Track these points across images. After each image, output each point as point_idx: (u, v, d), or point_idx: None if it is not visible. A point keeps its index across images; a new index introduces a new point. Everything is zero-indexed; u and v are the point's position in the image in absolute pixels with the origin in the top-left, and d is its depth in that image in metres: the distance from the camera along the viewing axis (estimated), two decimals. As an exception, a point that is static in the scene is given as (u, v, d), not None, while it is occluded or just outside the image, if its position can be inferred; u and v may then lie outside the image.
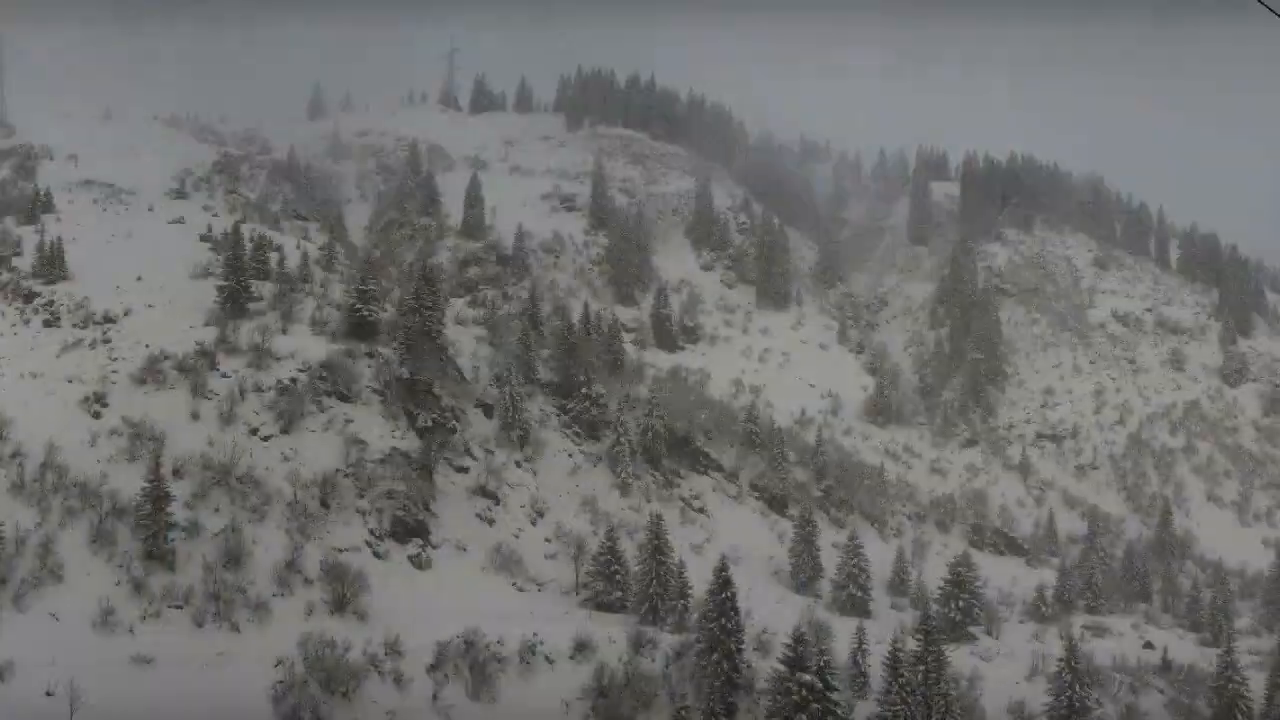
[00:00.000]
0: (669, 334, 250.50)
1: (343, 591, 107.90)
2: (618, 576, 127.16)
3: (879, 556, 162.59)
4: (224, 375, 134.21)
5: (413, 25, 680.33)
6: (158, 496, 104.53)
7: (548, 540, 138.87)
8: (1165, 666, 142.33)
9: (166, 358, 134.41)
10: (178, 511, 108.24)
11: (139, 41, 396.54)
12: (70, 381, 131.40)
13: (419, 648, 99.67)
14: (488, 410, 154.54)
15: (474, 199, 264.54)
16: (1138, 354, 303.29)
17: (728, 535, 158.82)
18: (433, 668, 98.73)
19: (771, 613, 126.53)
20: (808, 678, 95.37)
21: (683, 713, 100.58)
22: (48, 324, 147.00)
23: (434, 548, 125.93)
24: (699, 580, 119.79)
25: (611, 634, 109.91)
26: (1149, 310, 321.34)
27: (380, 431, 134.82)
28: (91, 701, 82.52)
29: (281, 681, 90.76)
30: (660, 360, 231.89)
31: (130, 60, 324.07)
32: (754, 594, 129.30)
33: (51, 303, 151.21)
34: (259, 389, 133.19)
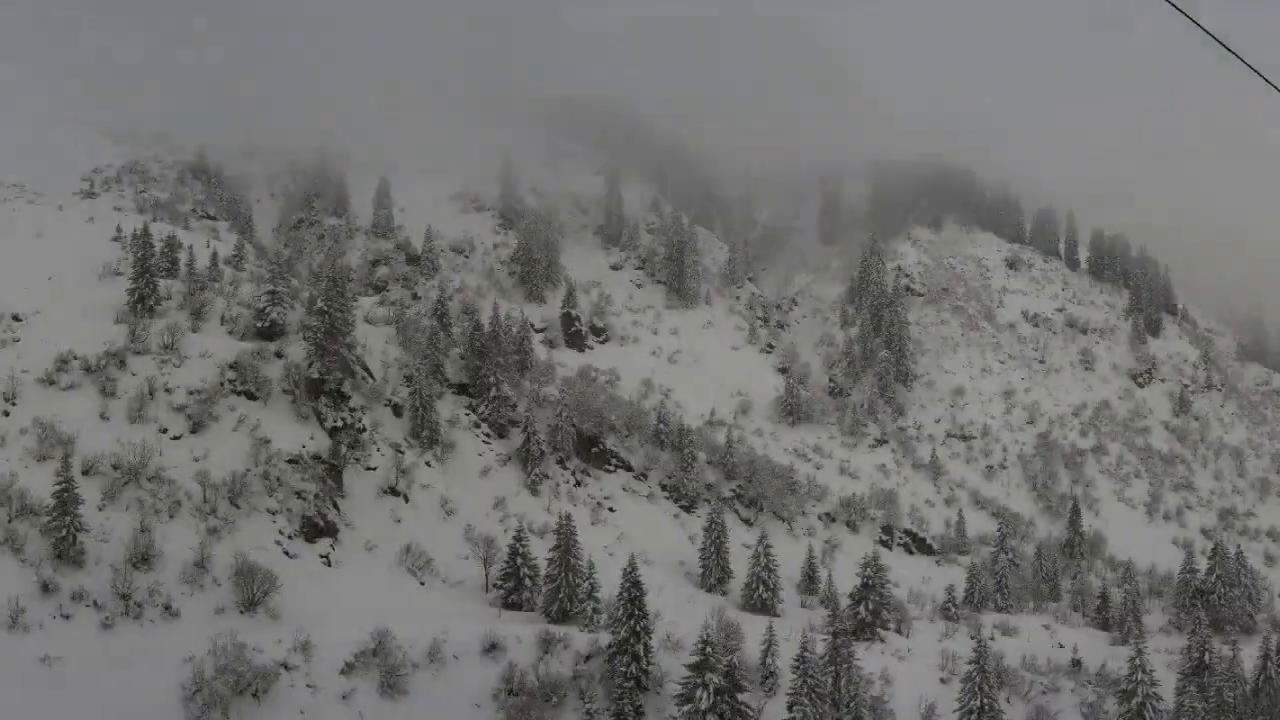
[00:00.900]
0: (578, 334, 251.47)
1: (253, 591, 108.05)
2: (527, 577, 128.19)
3: (789, 556, 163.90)
4: (133, 375, 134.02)
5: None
6: (67, 497, 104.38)
7: (457, 540, 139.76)
8: (1076, 666, 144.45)
9: (76, 358, 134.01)
10: (88, 512, 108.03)
11: (48, 39, 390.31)
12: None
13: (329, 647, 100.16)
14: (397, 410, 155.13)
15: (383, 199, 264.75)
16: (1048, 354, 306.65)
17: (637, 535, 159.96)
18: (344, 668, 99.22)
19: (681, 612, 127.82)
20: (716, 678, 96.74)
21: (592, 713, 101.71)
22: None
23: (344, 547, 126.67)
24: (609, 580, 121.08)
25: (521, 634, 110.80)
26: (1059, 311, 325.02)
27: (289, 431, 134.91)
28: (1, 701, 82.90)
29: (192, 681, 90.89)
30: (570, 360, 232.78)
31: (40, 58, 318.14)
32: (664, 594, 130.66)
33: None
34: (168, 389, 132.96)
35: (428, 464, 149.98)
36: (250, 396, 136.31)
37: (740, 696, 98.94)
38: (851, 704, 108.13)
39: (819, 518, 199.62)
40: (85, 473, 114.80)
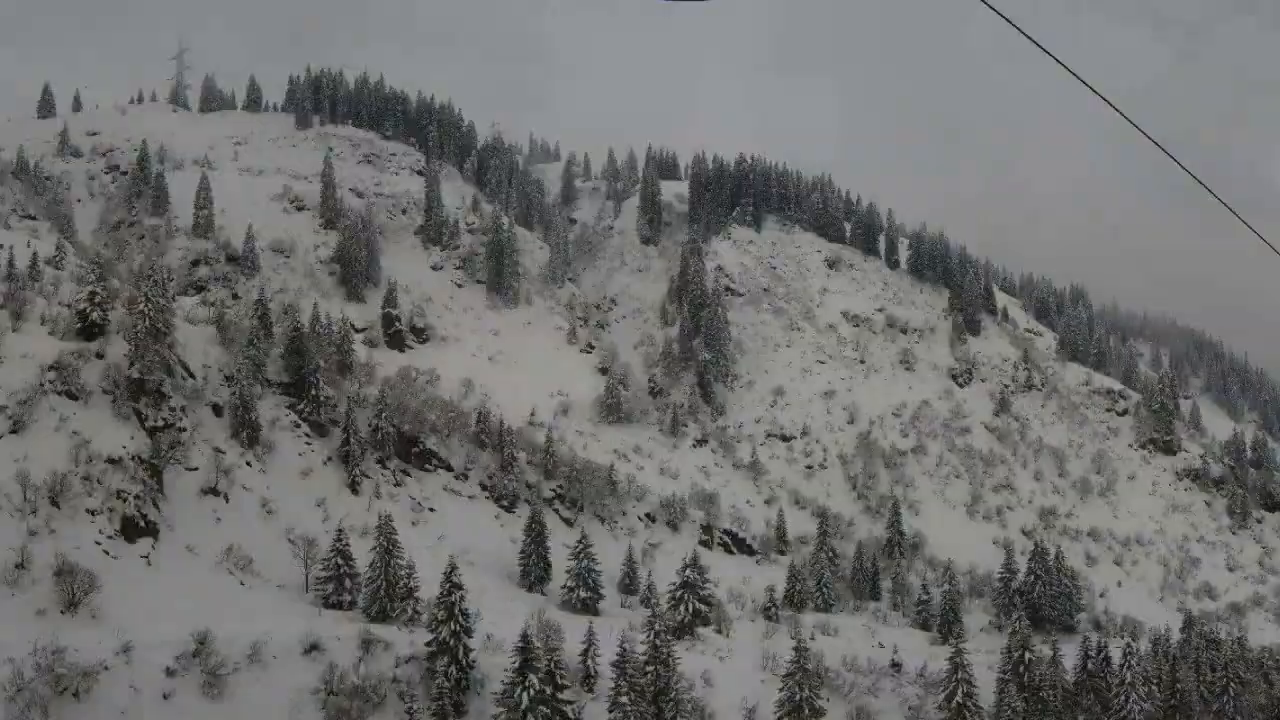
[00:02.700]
0: (399, 334, 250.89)
1: (74, 592, 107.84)
2: (348, 577, 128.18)
3: (610, 556, 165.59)
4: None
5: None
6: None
7: (278, 540, 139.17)
8: (896, 666, 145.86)
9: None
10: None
11: None
12: None
13: (151, 647, 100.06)
14: (218, 410, 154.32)
15: (204, 199, 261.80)
16: (868, 354, 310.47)
17: (458, 535, 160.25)
18: (165, 668, 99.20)
19: (502, 613, 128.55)
20: (537, 678, 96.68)
21: (412, 713, 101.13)
22: None
23: (165, 548, 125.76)
24: (429, 580, 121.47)
25: (342, 634, 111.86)
26: (879, 310, 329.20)
27: (110, 432, 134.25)
28: None
29: (11, 682, 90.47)
30: (390, 360, 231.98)
31: None
32: (484, 594, 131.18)
33: None
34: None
35: (248, 464, 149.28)
36: (71, 397, 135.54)
37: (561, 696, 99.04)
38: (672, 704, 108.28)
39: (640, 518, 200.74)
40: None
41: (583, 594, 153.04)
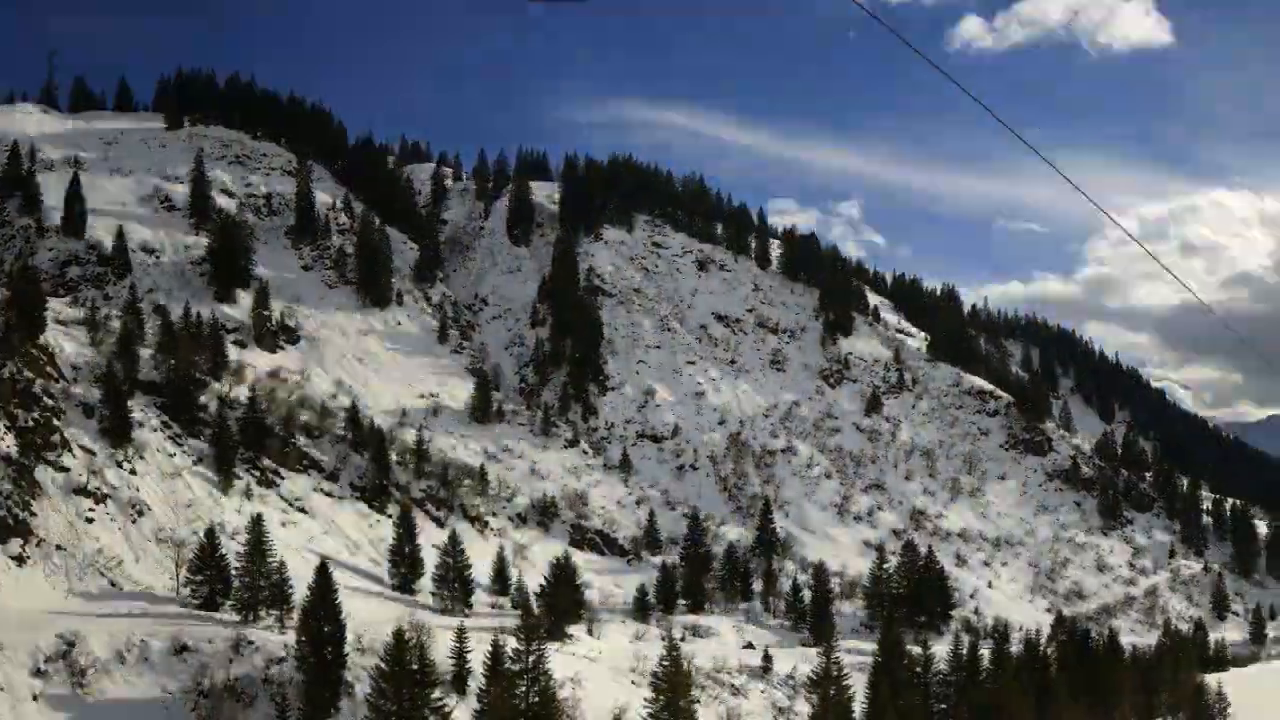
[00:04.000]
0: (269, 334, 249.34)
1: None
2: (218, 578, 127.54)
3: (480, 557, 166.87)
4: None
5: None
6: None
7: (149, 540, 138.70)
8: (766, 667, 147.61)
9: None
10: None
11: None
12: None
13: (19, 648, 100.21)
14: (88, 410, 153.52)
15: (74, 199, 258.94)
16: (739, 354, 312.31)
17: (329, 535, 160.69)
18: (34, 668, 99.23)
19: (373, 613, 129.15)
20: (407, 679, 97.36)
21: (283, 715, 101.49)
22: None
23: (35, 548, 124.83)
24: (300, 581, 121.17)
25: (212, 635, 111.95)
26: (750, 311, 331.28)
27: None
28: None
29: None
30: (261, 360, 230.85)
31: None
32: (355, 595, 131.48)
33: None
34: None
35: (119, 464, 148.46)
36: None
37: (432, 697, 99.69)
38: (542, 705, 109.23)
39: (510, 518, 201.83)
40: None
41: (453, 594, 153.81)
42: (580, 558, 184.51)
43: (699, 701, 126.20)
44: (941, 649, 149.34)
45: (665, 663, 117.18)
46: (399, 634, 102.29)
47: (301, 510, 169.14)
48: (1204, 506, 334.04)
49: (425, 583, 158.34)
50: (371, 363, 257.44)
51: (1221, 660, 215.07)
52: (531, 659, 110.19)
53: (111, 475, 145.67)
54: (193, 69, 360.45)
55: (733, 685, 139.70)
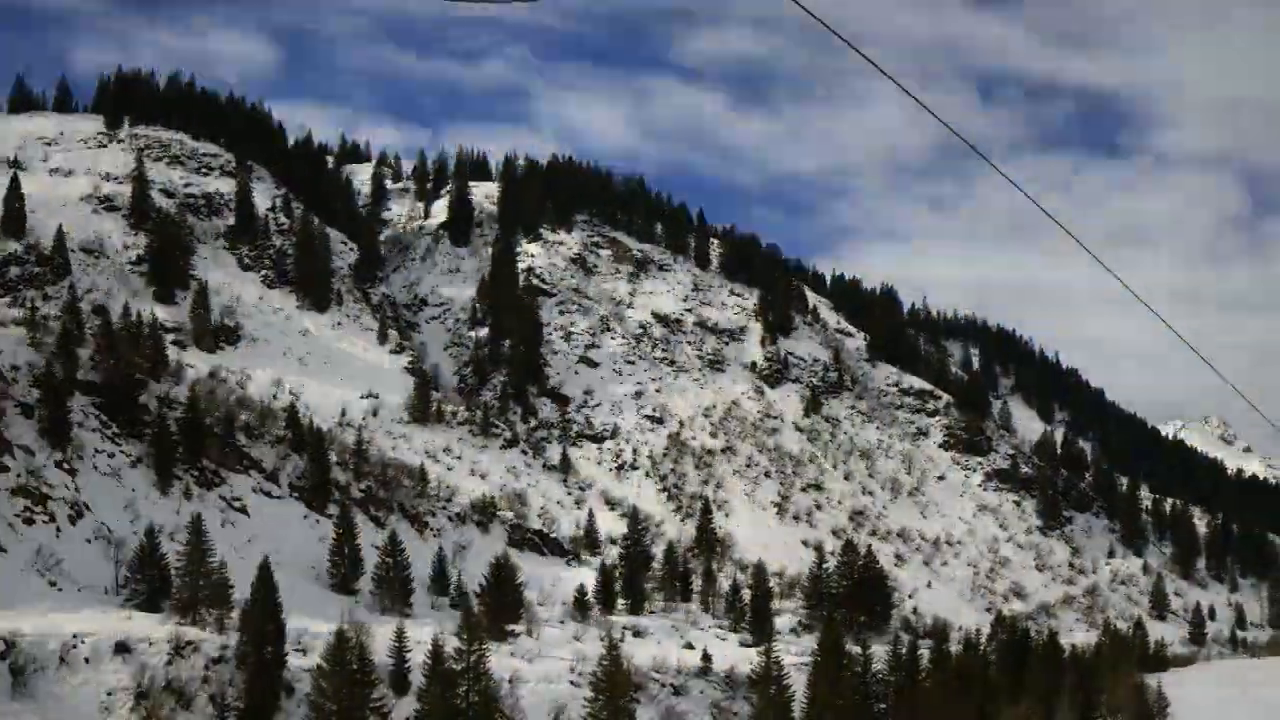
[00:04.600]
0: (209, 334, 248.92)
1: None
2: (158, 578, 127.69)
3: (420, 557, 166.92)
4: None
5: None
6: None
7: (88, 541, 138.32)
8: (705, 668, 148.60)
9: None
10: None
11: None
12: None
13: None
14: (28, 410, 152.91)
15: (13, 199, 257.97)
16: (677, 354, 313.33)
17: (269, 536, 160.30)
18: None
19: (313, 614, 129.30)
20: (347, 680, 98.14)
21: (223, 715, 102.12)
22: None
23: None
24: (240, 581, 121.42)
25: (152, 635, 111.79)
26: (689, 311, 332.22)
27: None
28: None
29: None
30: (201, 361, 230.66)
31: None
32: (295, 595, 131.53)
33: None
34: None
35: (58, 464, 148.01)
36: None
37: (371, 695, 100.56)
38: (482, 705, 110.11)
39: (450, 518, 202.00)
40: None
41: (393, 595, 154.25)
42: (520, 557, 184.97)
43: (638, 701, 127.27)
44: (881, 649, 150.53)
45: (605, 662, 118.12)
46: (339, 634, 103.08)
47: (241, 510, 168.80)
48: (1143, 506, 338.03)
49: (365, 583, 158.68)
50: (311, 363, 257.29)
51: (1161, 660, 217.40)
52: (471, 659, 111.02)
53: (51, 476, 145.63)
54: (133, 69, 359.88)
55: (672, 685, 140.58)
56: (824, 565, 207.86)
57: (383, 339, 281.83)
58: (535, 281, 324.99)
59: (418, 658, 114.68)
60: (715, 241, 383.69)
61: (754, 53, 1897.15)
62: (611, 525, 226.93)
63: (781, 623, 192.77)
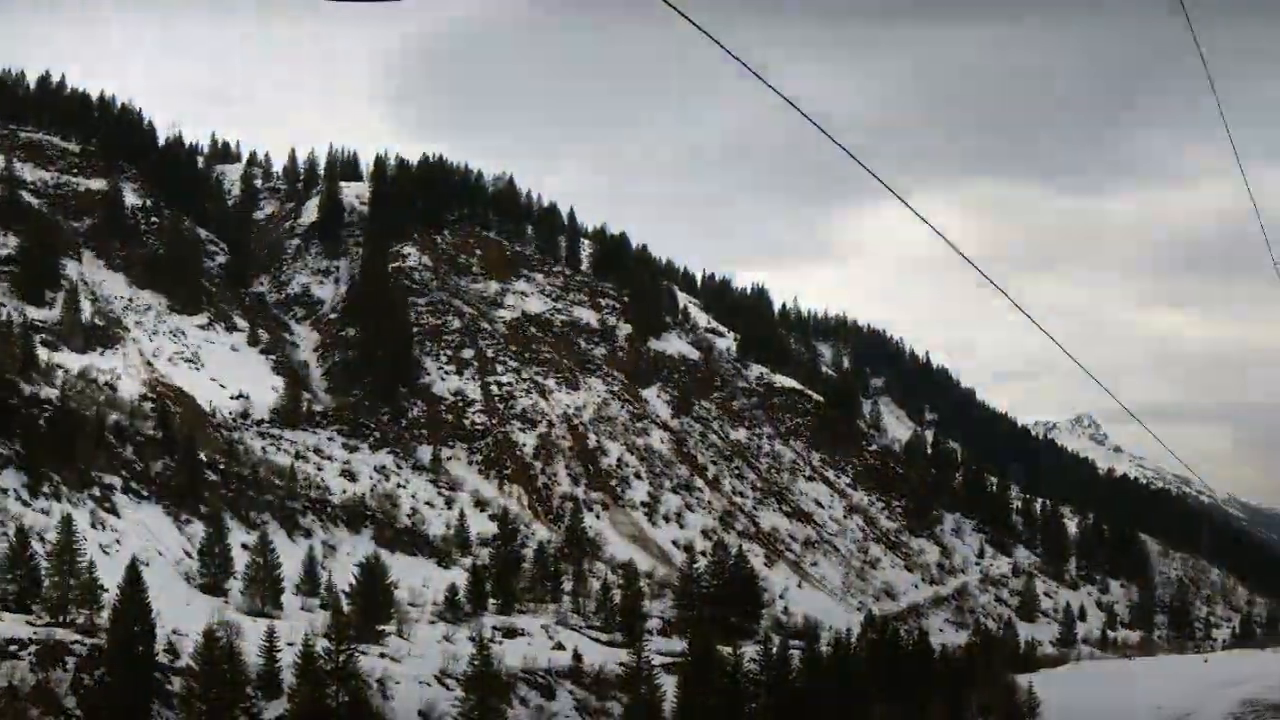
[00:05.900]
0: (80, 335, 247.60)
1: None
2: (28, 579, 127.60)
3: (290, 557, 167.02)
4: None
5: None
6: None
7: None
8: (576, 668, 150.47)
9: None
10: None
11: None
12: None
13: None
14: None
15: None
16: (548, 355, 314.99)
17: (138, 536, 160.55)
18: None
19: (182, 615, 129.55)
20: (216, 681, 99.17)
21: (94, 716, 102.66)
22: None
23: None
24: (110, 582, 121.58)
25: (20, 637, 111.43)
26: (559, 311, 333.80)
27: None
28: None
29: None
30: (72, 361, 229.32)
31: None
32: (164, 596, 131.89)
33: None
34: None
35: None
36: None
37: (242, 697, 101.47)
38: (352, 705, 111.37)
39: (319, 519, 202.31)
40: None
41: (263, 595, 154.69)
42: (390, 558, 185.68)
43: (508, 701, 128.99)
44: (752, 649, 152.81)
45: (475, 662, 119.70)
46: (209, 635, 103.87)
47: (112, 511, 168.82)
48: (1014, 506, 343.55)
49: (235, 583, 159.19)
50: (182, 364, 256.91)
51: (1031, 660, 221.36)
52: (341, 659, 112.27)
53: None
54: (4, 70, 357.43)
55: (543, 685, 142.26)
56: (694, 566, 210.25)
57: (253, 340, 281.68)
58: (406, 282, 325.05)
59: (288, 658, 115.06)
60: (586, 241, 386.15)
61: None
62: (482, 525, 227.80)
63: (652, 624, 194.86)
